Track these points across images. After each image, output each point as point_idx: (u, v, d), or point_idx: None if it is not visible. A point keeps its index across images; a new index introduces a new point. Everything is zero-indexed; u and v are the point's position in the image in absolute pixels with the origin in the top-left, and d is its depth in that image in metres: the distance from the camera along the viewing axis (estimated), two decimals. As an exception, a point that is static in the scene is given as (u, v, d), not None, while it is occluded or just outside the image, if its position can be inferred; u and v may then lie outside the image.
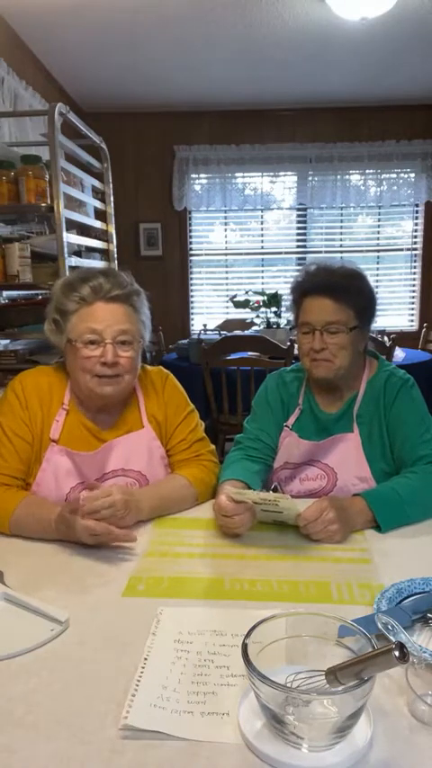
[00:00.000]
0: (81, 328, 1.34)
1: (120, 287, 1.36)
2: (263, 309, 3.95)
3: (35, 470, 1.39)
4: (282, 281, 5.28)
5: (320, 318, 1.43)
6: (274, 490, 1.28)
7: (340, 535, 1.23)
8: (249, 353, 3.25)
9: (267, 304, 3.89)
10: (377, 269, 5.33)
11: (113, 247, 3.19)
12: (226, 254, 5.41)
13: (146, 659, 0.86)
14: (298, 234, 5.35)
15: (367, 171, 5.14)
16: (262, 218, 5.37)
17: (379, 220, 5.31)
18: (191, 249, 5.38)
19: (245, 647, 0.72)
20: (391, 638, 0.83)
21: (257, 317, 4.05)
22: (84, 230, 2.91)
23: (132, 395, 1.48)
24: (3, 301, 2.62)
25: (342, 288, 1.43)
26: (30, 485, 1.39)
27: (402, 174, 5.15)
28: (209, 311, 5.46)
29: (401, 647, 0.65)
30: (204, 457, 1.52)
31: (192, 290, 5.44)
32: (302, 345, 1.48)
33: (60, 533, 1.22)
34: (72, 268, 2.42)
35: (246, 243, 5.42)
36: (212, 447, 1.57)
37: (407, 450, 1.45)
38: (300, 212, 5.31)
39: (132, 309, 1.39)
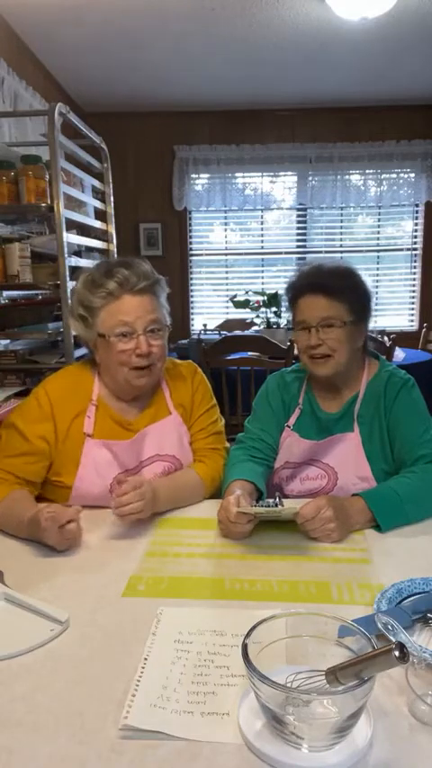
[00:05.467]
0: (112, 322, 1.37)
1: (145, 278, 1.39)
2: (263, 309, 3.96)
3: (71, 470, 1.40)
4: (282, 281, 5.27)
5: (315, 315, 1.45)
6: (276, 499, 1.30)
7: (338, 534, 1.23)
8: (249, 353, 3.24)
9: (267, 304, 3.90)
10: (377, 269, 5.33)
11: (113, 247, 3.19)
12: (226, 254, 5.41)
13: (146, 659, 0.86)
14: (298, 234, 5.35)
15: (367, 171, 5.14)
16: (262, 218, 5.37)
17: (379, 220, 5.31)
18: (191, 249, 5.38)
19: (245, 647, 0.72)
20: (391, 638, 0.83)
21: (257, 317, 4.06)
22: (84, 230, 2.91)
23: (158, 385, 1.52)
24: (3, 301, 2.62)
25: (332, 285, 1.45)
26: (34, 483, 1.40)
27: (402, 174, 5.15)
28: (209, 311, 5.46)
29: (401, 647, 0.65)
30: (218, 452, 1.56)
31: (192, 290, 5.43)
32: (300, 343, 1.51)
33: (31, 534, 1.22)
34: (72, 268, 2.42)
35: (246, 243, 5.42)
36: (227, 445, 1.60)
37: (407, 449, 1.45)
38: (300, 212, 5.31)
39: (155, 297, 1.42)
